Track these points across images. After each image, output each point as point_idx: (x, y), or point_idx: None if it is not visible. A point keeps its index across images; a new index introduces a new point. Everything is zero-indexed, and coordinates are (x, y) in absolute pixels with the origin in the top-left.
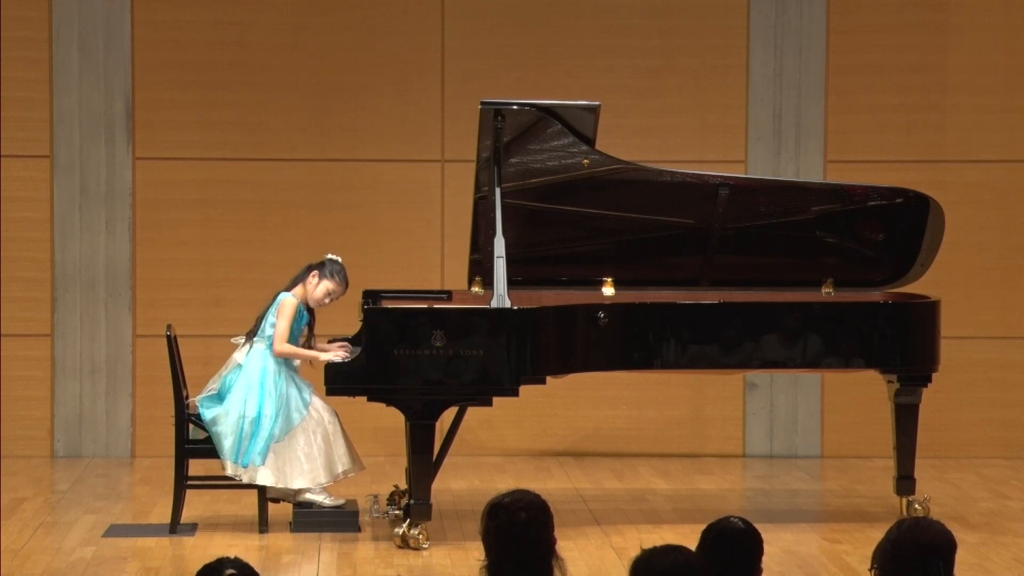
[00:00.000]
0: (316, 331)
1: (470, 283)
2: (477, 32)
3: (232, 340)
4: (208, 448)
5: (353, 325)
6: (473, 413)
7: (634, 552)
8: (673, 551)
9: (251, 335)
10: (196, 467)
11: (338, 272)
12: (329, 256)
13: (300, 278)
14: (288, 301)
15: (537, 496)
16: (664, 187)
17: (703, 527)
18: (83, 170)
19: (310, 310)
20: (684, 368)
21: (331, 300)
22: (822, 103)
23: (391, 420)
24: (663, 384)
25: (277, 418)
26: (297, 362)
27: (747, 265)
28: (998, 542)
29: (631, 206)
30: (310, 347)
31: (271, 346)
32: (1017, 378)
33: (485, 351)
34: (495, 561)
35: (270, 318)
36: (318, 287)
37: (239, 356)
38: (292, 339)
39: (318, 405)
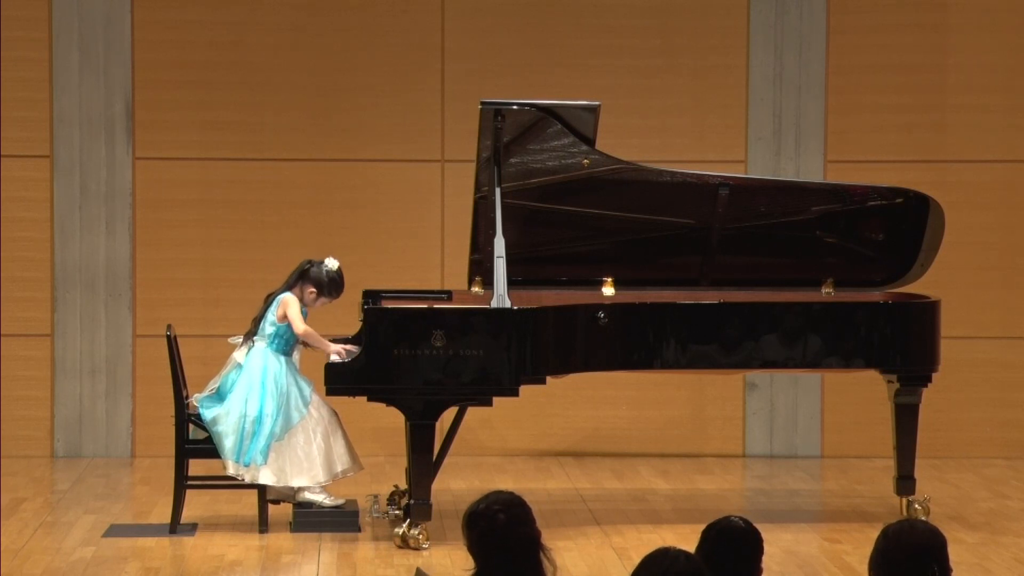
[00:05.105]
0: (317, 329)
1: (470, 283)
2: (477, 32)
3: (230, 340)
4: (208, 448)
5: (353, 325)
6: (473, 413)
7: (634, 552)
8: (671, 555)
9: (250, 335)
10: (196, 467)
11: (333, 277)
12: (327, 267)
13: (296, 281)
14: (290, 298)
15: (511, 494)
16: (664, 187)
17: (703, 527)
18: (83, 170)
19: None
20: (684, 368)
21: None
22: (822, 103)
23: (391, 420)
24: (663, 384)
25: (278, 416)
26: (298, 356)
27: (747, 265)
28: (998, 542)
29: (631, 206)
30: (305, 344)
31: (271, 344)
32: (1017, 378)
33: (485, 351)
34: (484, 567)
35: (269, 317)
36: (316, 301)
37: (239, 356)
38: (293, 337)
39: (318, 404)
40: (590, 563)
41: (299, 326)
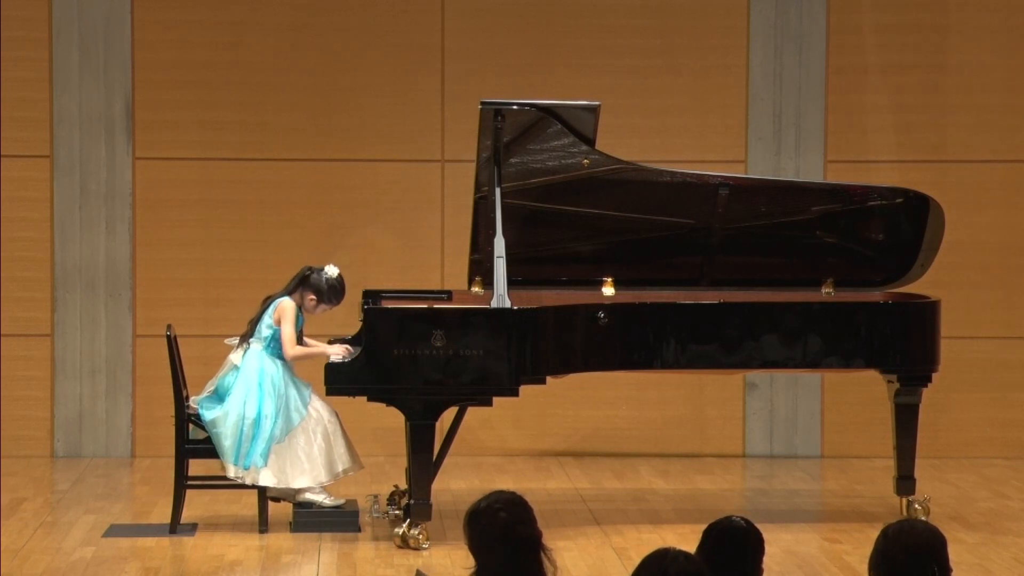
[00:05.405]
0: (316, 331)
1: (470, 283)
2: (477, 32)
3: (226, 341)
4: (208, 448)
5: (353, 325)
6: (473, 413)
7: (634, 552)
8: (671, 555)
9: (246, 337)
10: (196, 467)
11: (333, 284)
12: (327, 274)
13: (296, 287)
14: (288, 304)
15: (513, 493)
16: (664, 187)
17: (703, 527)
18: (83, 170)
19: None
20: (684, 368)
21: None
22: (822, 103)
23: (391, 420)
24: (663, 384)
25: (277, 418)
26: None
27: (747, 265)
28: (998, 542)
29: (631, 206)
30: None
31: (267, 347)
32: (1017, 378)
33: (485, 351)
34: (484, 566)
35: (266, 319)
36: (316, 308)
37: (235, 358)
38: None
39: (317, 404)
40: (590, 563)
41: (288, 351)
